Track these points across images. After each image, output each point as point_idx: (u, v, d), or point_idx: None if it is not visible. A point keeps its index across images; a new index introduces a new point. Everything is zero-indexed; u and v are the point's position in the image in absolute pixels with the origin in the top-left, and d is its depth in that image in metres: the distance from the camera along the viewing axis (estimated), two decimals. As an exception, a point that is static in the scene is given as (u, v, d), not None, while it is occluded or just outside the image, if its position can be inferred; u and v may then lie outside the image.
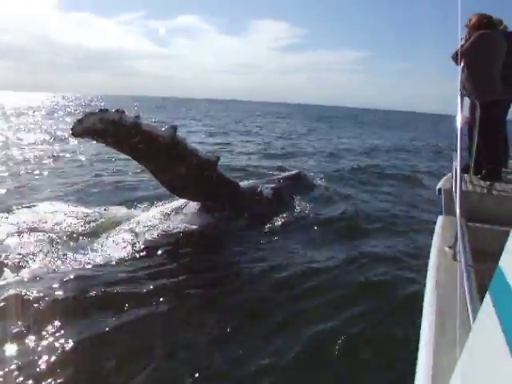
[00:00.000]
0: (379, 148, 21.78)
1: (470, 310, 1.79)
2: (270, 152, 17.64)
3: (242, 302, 4.55)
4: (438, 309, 2.39)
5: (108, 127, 5.20)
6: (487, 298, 1.21)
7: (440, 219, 4.18)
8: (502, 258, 1.18)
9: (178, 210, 6.69)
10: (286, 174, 8.55)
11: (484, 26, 4.74)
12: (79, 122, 5.17)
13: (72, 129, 5.21)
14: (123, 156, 6.49)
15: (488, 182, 4.74)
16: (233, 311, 4.37)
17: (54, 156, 13.97)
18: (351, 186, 10.87)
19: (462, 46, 4.83)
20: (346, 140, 26.16)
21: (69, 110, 52.60)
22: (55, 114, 41.94)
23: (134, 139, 5.40)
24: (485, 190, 4.50)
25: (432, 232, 3.92)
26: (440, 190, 4.60)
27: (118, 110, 5.24)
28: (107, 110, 5.23)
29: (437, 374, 1.84)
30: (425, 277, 2.98)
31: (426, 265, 3.34)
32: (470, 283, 2.01)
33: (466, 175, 4.97)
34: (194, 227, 6.25)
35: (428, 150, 22.21)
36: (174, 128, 5.64)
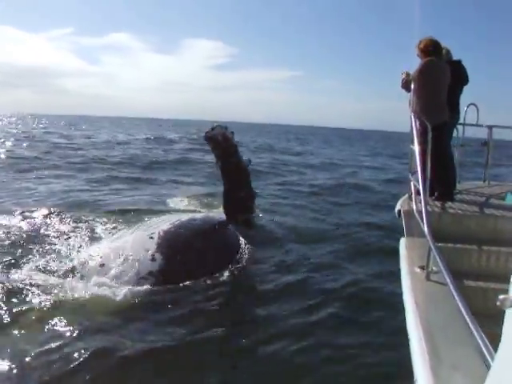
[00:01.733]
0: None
1: (471, 325, 1.75)
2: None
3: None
4: (424, 330, 2.33)
5: (222, 139, 6.84)
6: None
7: (403, 241, 4.20)
8: None
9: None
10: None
11: (430, 53, 4.97)
12: (212, 129, 6.86)
13: (206, 133, 6.85)
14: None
15: (442, 203, 4.85)
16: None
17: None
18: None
19: (408, 74, 5.06)
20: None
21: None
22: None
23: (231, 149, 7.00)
24: (442, 210, 4.60)
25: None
26: (399, 211, 4.64)
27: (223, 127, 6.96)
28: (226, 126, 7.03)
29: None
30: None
31: (399, 287, 3.32)
32: (462, 299, 1.98)
33: (419, 197, 5.07)
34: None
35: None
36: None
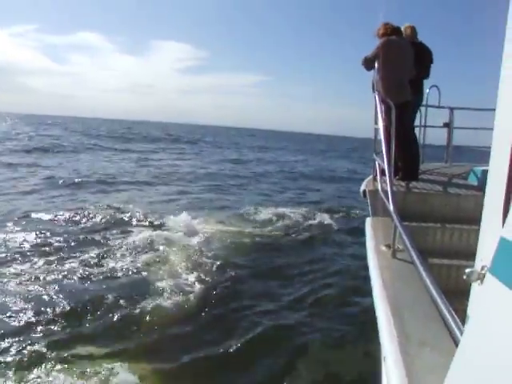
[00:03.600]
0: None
1: (438, 300, 1.73)
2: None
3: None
4: (391, 307, 2.31)
5: None
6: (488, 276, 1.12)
7: (368, 220, 4.20)
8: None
9: None
10: None
11: (388, 34, 4.93)
12: None
13: None
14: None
15: (407, 182, 4.88)
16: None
17: None
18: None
19: None
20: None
21: None
22: None
23: None
24: (406, 190, 4.63)
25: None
26: (364, 191, 4.65)
27: None
28: None
29: (412, 375, 1.73)
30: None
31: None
32: (428, 275, 1.96)
33: (384, 177, 5.10)
34: None
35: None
36: None
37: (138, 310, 5.25)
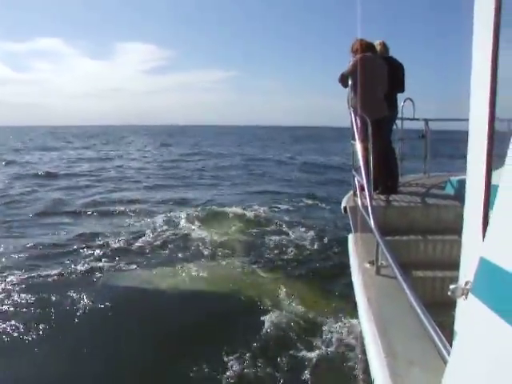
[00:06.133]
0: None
1: (423, 318, 1.69)
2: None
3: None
4: (377, 326, 2.27)
5: None
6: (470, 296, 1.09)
7: (351, 237, 4.18)
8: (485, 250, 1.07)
9: None
10: None
11: (363, 50, 5.00)
12: None
13: None
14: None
15: (386, 196, 4.89)
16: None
17: None
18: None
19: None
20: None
21: None
22: None
23: None
24: (387, 204, 4.63)
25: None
26: (345, 208, 4.63)
27: None
28: None
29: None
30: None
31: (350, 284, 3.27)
32: (413, 292, 1.92)
33: (363, 192, 5.10)
34: None
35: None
36: None
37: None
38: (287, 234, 8.94)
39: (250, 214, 10.73)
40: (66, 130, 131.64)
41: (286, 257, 7.59)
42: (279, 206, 12.34)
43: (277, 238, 8.64)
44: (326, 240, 8.36)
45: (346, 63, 5.12)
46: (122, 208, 11.82)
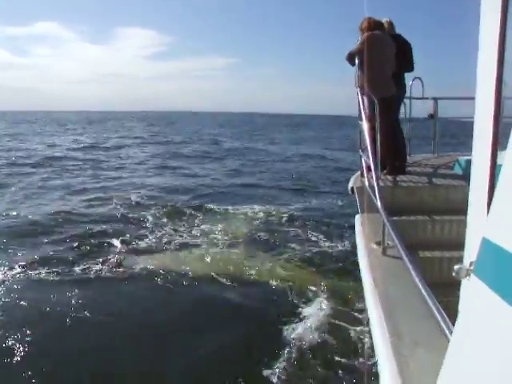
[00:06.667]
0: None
1: (427, 298, 1.69)
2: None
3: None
4: (383, 307, 2.27)
5: None
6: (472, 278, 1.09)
7: (358, 218, 4.17)
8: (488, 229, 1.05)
9: None
10: None
11: (372, 29, 4.91)
12: None
13: None
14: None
15: (394, 176, 4.86)
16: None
17: None
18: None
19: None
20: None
21: None
22: None
23: None
24: (394, 184, 4.60)
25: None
26: (352, 188, 4.61)
27: None
28: None
29: (405, 375, 1.69)
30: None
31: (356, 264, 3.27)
32: (418, 273, 1.92)
33: (370, 173, 5.07)
34: None
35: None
36: None
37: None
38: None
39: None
40: (64, 115, 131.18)
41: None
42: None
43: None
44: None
45: (352, 44, 5.05)
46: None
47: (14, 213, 9.98)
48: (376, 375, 2.14)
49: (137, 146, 29.75)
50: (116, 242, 7.76)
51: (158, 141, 34.56)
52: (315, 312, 5.03)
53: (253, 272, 6.35)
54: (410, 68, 5.53)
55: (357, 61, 4.90)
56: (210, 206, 10.80)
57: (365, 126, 4.07)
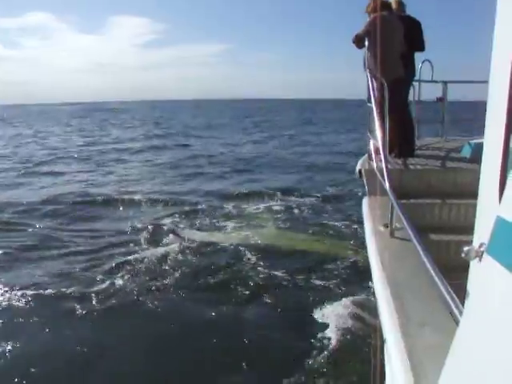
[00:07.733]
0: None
1: (436, 279, 1.69)
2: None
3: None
4: (391, 288, 2.28)
5: None
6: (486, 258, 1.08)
7: (365, 200, 4.16)
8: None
9: None
10: None
11: (379, 10, 4.83)
12: None
13: None
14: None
15: (403, 159, 4.83)
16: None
17: None
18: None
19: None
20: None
21: None
22: None
23: None
24: (403, 167, 4.58)
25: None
26: (360, 171, 4.60)
27: None
28: None
29: (413, 356, 1.70)
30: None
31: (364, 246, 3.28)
32: (426, 253, 1.91)
33: (379, 155, 5.04)
34: None
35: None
36: None
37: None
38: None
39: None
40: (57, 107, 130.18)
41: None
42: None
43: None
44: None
45: (359, 26, 4.97)
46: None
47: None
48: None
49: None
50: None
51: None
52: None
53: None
54: (421, 47, 5.42)
55: (366, 43, 4.83)
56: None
57: (373, 107, 4.04)
